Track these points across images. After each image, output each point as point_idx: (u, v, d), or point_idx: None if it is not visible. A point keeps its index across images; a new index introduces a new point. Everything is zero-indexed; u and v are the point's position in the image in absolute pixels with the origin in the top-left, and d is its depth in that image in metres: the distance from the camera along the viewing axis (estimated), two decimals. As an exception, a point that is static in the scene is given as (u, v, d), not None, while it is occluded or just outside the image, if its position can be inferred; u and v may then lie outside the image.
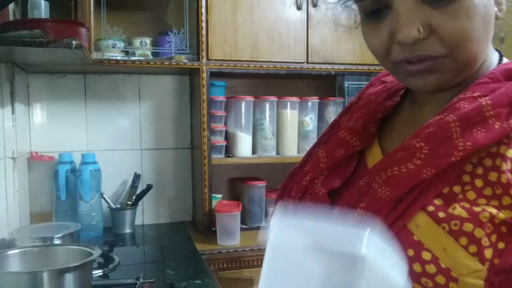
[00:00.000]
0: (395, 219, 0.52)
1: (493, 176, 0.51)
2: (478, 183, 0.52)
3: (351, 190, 0.60)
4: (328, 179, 0.63)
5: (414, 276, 0.49)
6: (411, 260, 0.50)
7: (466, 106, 0.54)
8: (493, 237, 0.48)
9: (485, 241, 0.48)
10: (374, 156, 0.64)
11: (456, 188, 0.52)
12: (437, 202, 0.52)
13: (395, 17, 0.54)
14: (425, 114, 0.61)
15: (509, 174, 0.50)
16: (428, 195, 0.52)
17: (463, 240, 0.49)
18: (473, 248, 0.48)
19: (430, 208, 0.52)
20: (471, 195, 0.51)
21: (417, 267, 0.50)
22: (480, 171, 0.52)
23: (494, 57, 0.61)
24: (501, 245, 0.48)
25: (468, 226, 0.49)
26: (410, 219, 0.52)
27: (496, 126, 0.52)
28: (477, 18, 0.52)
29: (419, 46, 0.53)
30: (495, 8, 0.56)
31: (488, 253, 0.48)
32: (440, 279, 0.49)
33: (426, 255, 0.50)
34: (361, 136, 0.65)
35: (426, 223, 0.51)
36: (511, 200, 0.49)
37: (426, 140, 0.54)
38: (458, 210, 0.50)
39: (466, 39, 0.53)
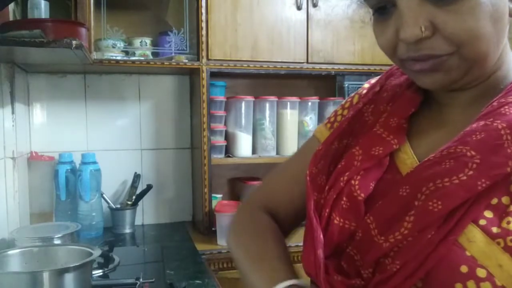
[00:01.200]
0: (446, 233, 0.49)
1: None
2: None
3: (389, 198, 0.55)
4: (365, 181, 0.58)
5: None
6: (464, 277, 0.48)
7: (511, 112, 0.52)
8: None
9: None
10: (406, 157, 0.60)
11: (505, 199, 0.50)
12: (488, 214, 0.50)
13: (399, 15, 0.53)
14: (450, 115, 0.60)
15: None
16: (479, 207, 0.50)
17: None
18: None
19: (482, 222, 0.49)
20: None
21: (471, 285, 0.48)
22: None
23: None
24: None
25: None
26: (461, 233, 0.49)
27: None
28: (484, 16, 0.51)
29: (423, 45, 0.53)
30: (510, 5, 0.54)
31: None
32: None
33: (481, 272, 0.48)
34: (397, 134, 0.61)
35: (479, 238, 0.49)
36: None
37: (477, 149, 0.50)
38: None
39: (472, 37, 0.51)
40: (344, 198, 0.58)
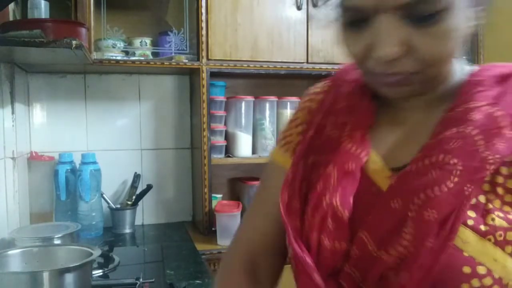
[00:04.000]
0: (444, 239, 0.52)
1: (510, 183, 0.54)
2: (500, 191, 0.54)
3: (381, 212, 0.56)
4: (345, 199, 0.59)
5: None
6: (468, 277, 0.51)
7: (479, 117, 0.55)
8: None
9: None
10: (377, 167, 0.61)
11: (482, 198, 0.54)
12: (471, 214, 0.53)
13: (376, 33, 0.53)
14: (405, 116, 0.63)
15: None
16: (464, 210, 0.53)
17: (508, 249, 0.52)
18: None
19: (470, 222, 0.53)
20: (497, 203, 0.54)
21: (475, 283, 0.51)
22: (499, 180, 0.54)
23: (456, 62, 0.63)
24: None
25: (511, 235, 0.52)
26: (455, 237, 0.52)
27: (509, 136, 0.54)
28: (454, 40, 0.53)
29: (394, 63, 0.54)
30: (470, 25, 0.56)
31: None
32: None
33: (481, 269, 0.51)
34: (363, 146, 0.62)
35: (472, 238, 0.52)
36: None
37: (457, 156, 0.53)
38: (498, 221, 0.52)
39: (440, 59, 0.54)
40: (329, 220, 0.58)
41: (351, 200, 0.59)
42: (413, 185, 0.54)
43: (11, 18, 1.43)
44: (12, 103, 1.55)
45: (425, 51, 0.53)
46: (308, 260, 0.57)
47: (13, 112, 1.55)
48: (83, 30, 1.36)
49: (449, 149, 0.54)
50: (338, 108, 0.66)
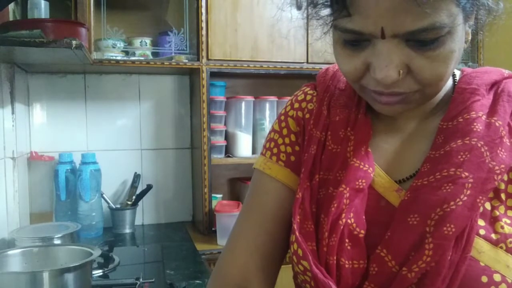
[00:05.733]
0: (462, 251, 0.53)
1: (511, 188, 0.57)
2: (503, 196, 0.57)
3: (400, 229, 0.55)
4: (358, 217, 0.59)
5: None
6: (486, 286, 0.53)
7: (481, 127, 0.57)
8: None
9: None
10: (383, 181, 0.61)
11: (487, 205, 0.56)
12: (481, 223, 0.55)
13: (376, 55, 0.53)
14: (399, 126, 0.64)
15: None
16: (476, 219, 0.54)
17: None
18: None
19: (482, 232, 0.55)
20: (502, 209, 0.56)
21: None
22: (501, 186, 0.57)
23: None
24: None
25: None
26: (472, 248, 0.53)
27: (509, 144, 0.57)
28: (452, 62, 0.54)
29: (394, 84, 0.54)
30: (465, 44, 0.57)
31: None
32: None
33: (497, 277, 0.53)
34: (368, 161, 0.61)
35: (486, 247, 0.54)
36: None
37: (467, 169, 0.55)
38: (507, 228, 0.55)
39: (439, 80, 0.55)
40: (347, 240, 0.57)
41: (364, 218, 0.59)
42: (429, 201, 0.55)
43: (11, 18, 1.43)
44: (12, 103, 1.55)
45: (426, 73, 0.53)
46: (333, 285, 0.56)
47: (13, 112, 1.55)
48: (83, 30, 1.36)
49: (459, 163, 0.56)
50: (337, 121, 0.66)
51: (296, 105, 0.72)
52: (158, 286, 1.21)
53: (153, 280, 1.19)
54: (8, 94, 1.51)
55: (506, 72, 0.64)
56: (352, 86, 0.61)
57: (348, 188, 0.59)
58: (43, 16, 1.36)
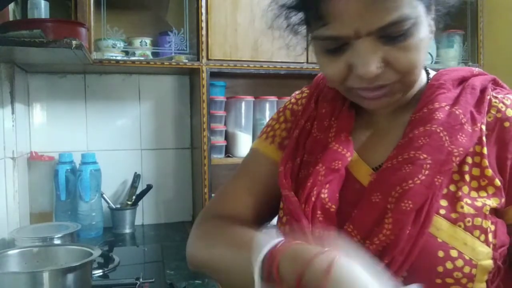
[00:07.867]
0: (421, 227, 0.58)
1: (476, 171, 0.63)
2: (467, 178, 0.62)
3: (365, 207, 0.62)
4: (332, 193, 0.65)
5: (446, 273, 0.58)
6: (442, 260, 0.58)
7: (442, 116, 0.64)
8: (489, 223, 0.60)
9: (489, 229, 0.60)
10: (359, 166, 0.68)
11: (452, 187, 0.62)
12: (443, 203, 0.61)
13: (356, 55, 0.59)
14: (376, 120, 0.71)
15: (490, 169, 0.62)
16: (437, 200, 0.60)
17: (476, 232, 0.59)
18: (483, 237, 0.60)
19: (442, 211, 0.60)
20: (465, 189, 0.61)
21: (449, 265, 0.58)
22: (465, 168, 0.62)
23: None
24: (492, 227, 0.60)
25: (478, 220, 0.60)
26: (430, 224, 0.59)
27: (470, 130, 0.62)
28: (422, 49, 0.61)
29: (376, 78, 0.60)
30: (430, 35, 0.64)
31: (490, 237, 0.60)
32: (466, 269, 0.58)
33: (454, 253, 0.58)
34: (348, 147, 0.68)
35: (445, 225, 0.59)
36: (495, 189, 0.62)
37: (426, 152, 0.61)
38: (467, 208, 0.60)
39: (414, 68, 0.61)
40: (319, 212, 0.64)
41: (337, 196, 0.65)
42: (390, 180, 0.61)
43: (11, 18, 1.43)
44: (12, 103, 1.55)
45: (402, 63, 0.60)
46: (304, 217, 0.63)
47: (13, 112, 1.55)
48: (83, 30, 1.36)
49: (419, 146, 0.62)
50: (323, 113, 0.73)
51: (293, 100, 0.82)
52: (158, 286, 1.21)
53: (153, 280, 1.19)
54: (8, 94, 1.51)
55: (476, 70, 0.71)
56: (339, 89, 0.68)
57: (324, 167, 0.66)
58: (43, 16, 1.36)
